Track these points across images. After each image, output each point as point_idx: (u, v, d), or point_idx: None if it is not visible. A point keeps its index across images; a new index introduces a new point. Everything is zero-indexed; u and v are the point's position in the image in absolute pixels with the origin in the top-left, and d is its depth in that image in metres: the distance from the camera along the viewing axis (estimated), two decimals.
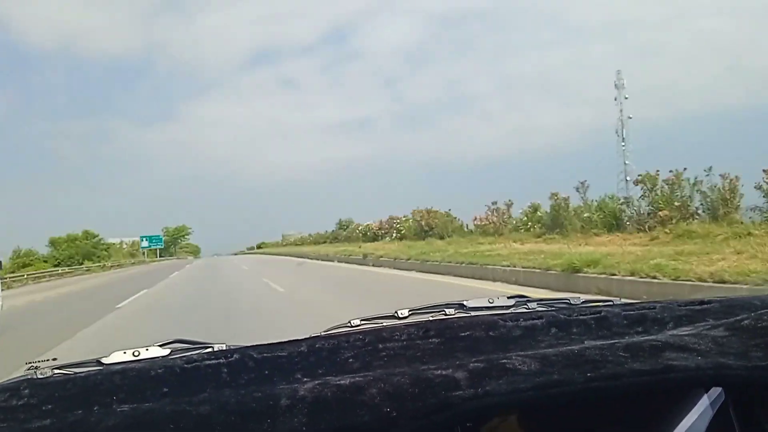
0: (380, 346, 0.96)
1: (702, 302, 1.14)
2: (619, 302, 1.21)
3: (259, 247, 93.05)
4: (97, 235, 65.70)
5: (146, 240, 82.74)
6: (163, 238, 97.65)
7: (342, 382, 0.78)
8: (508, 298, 1.20)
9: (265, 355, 0.92)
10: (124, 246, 79.15)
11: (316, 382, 0.79)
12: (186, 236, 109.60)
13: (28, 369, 0.92)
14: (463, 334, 1.00)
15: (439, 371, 0.80)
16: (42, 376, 0.89)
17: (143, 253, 79.54)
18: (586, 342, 0.96)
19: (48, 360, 0.95)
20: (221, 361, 0.90)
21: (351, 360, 0.93)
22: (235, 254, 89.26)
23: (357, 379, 0.79)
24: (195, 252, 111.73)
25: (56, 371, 0.91)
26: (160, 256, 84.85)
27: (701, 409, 0.82)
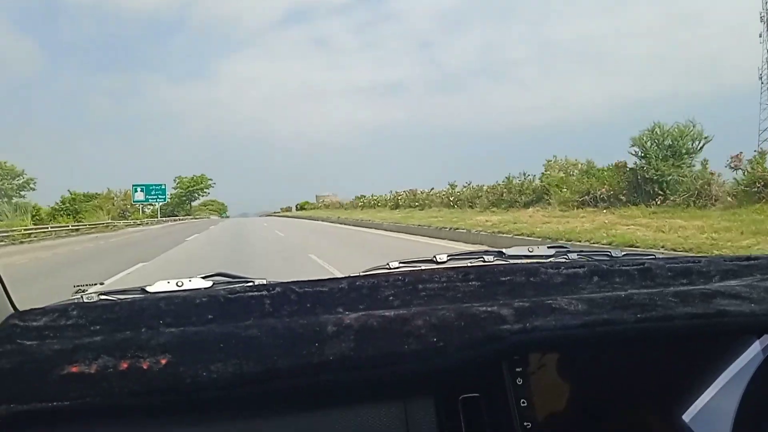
0: (420, 286, 0.96)
1: (749, 258, 1.11)
2: (661, 255, 1.18)
3: (302, 207, 75.87)
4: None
5: (141, 190, 58.34)
6: (171, 191, 76.46)
7: (387, 314, 0.78)
8: (548, 247, 1.18)
9: (306, 289, 0.93)
10: (114, 197, 57.77)
11: (361, 313, 0.79)
12: (206, 189, 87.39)
13: (75, 292, 0.93)
14: (503, 279, 0.99)
15: (484, 308, 0.79)
16: (89, 300, 0.91)
17: (140, 210, 59.49)
18: (630, 290, 0.94)
19: (95, 284, 0.96)
20: (264, 293, 0.91)
21: (391, 298, 0.92)
22: (269, 215, 78.88)
23: (401, 311, 0.79)
24: (220, 210, 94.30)
25: (102, 297, 0.93)
26: (167, 215, 65.30)
27: (752, 354, 0.80)
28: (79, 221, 40.07)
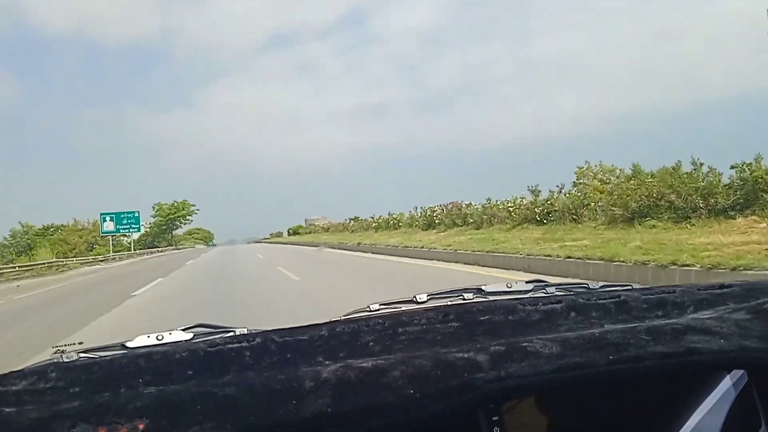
0: (400, 329, 0.97)
1: (722, 286, 1.14)
2: (637, 286, 1.20)
3: (295, 232, 69.46)
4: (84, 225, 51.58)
5: (110, 219, 49.31)
6: (150, 219, 75.72)
7: (364, 364, 0.79)
8: (527, 282, 1.19)
9: (286, 338, 0.93)
10: (82, 229, 52.02)
11: (339, 364, 0.80)
12: (189, 217, 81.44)
13: (55, 353, 0.93)
14: (482, 318, 1.00)
15: (461, 354, 0.80)
16: (68, 360, 0.91)
17: (111, 242, 50.37)
18: (606, 326, 0.95)
19: (74, 344, 0.96)
20: (243, 344, 0.91)
21: (371, 343, 0.93)
22: (257, 242, 76.51)
23: (379, 361, 0.80)
24: (206, 238, 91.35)
25: (82, 355, 0.93)
26: (148, 246, 63.57)
27: (723, 390, 0.82)
28: (33, 258, 34.44)
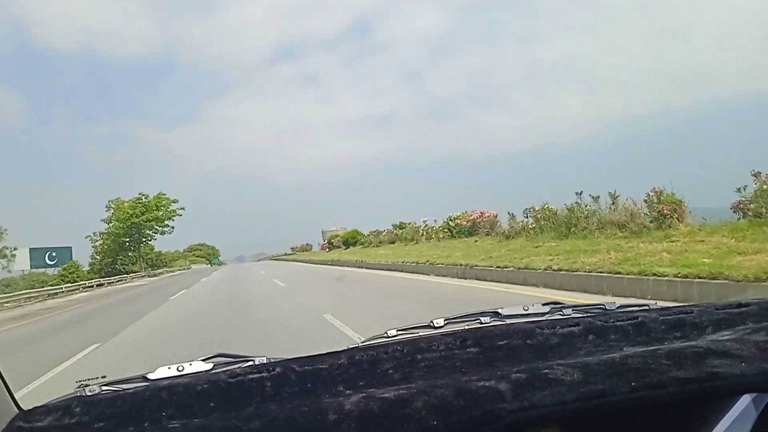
0: (419, 356, 0.97)
1: (740, 305, 1.13)
2: (655, 306, 1.20)
3: (353, 242, 39.55)
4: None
5: (47, 256, 41.45)
6: (106, 226, 50.37)
7: (386, 395, 0.79)
8: (543, 305, 1.19)
9: (306, 368, 0.94)
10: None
11: (361, 395, 0.80)
12: (167, 222, 54.22)
13: (78, 387, 0.94)
14: (500, 343, 1.01)
15: (482, 383, 0.80)
16: (91, 393, 0.91)
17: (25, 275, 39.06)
18: (625, 349, 0.95)
19: (97, 378, 0.97)
20: (264, 374, 0.92)
21: (391, 371, 0.93)
22: (275, 258, 64.12)
23: (401, 391, 0.80)
24: (210, 255, 72.34)
25: (105, 388, 0.94)
26: (108, 273, 43.34)
27: (745, 414, 0.81)
28: None
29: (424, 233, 26.63)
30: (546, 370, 0.82)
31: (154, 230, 55.22)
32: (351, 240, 39.25)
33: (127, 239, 52.81)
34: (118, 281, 41.21)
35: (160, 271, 54.96)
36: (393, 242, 29.93)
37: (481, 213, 21.32)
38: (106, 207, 52.79)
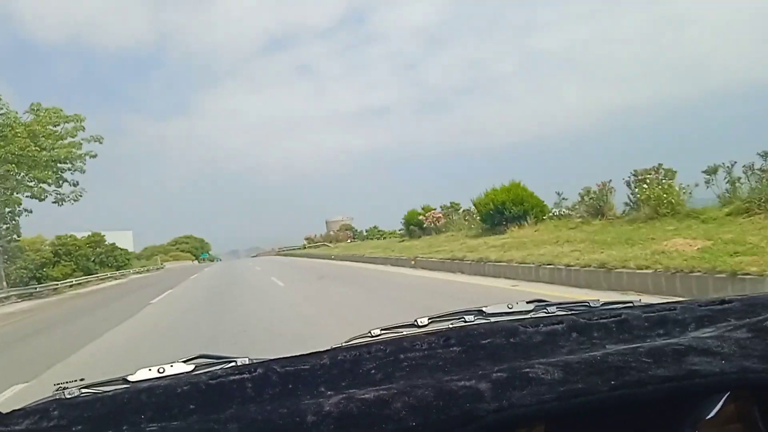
0: (401, 356, 0.97)
1: (723, 301, 1.14)
2: (639, 303, 1.20)
3: (414, 222, 28.23)
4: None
5: None
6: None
7: (366, 396, 0.79)
8: (528, 302, 1.19)
9: (287, 368, 0.93)
10: None
11: (341, 396, 0.80)
12: (69, 158, 26.81)
13: (57, 390, 0.93)
14: (483, 341, 1.00)
15: (462, 382, 0.80)
16: (70, 396, 0.90)
17: None
18: (607, 347, 0.95)
19: (75, 381, 0.96)
20: (245, 376, 0.91)
21: (373, 371, 0.93)
22: (279, 252, 53.87)
23: (381, 392, 0.80)
24: (198, 249, 58.09)
25: (84, 391, 0.93)
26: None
27: (725, 409, 0.82)
28: None
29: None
30: (527, 369, 0.82)
31: (37, 179, 27.20)
32: (412, 222, 28.07)
33: None
34: None
35: (58, 285, 29.69)
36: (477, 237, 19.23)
37: None
38: None
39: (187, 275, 30.75)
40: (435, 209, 28.00)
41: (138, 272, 45.63)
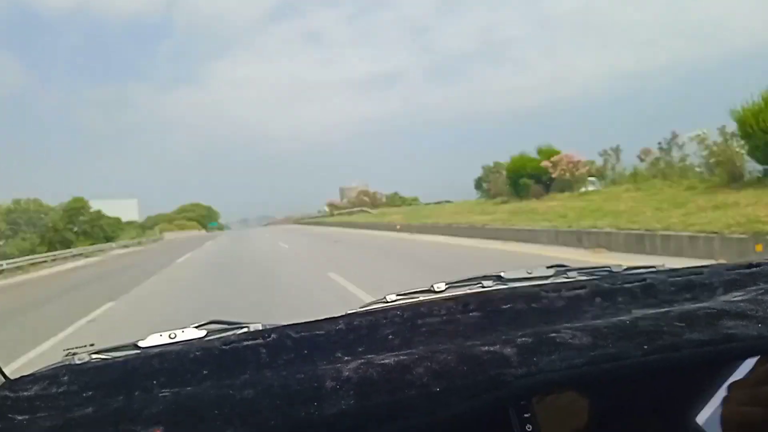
0: (419, 321, 0.94)
1: (750, 265, 1.10)
2: (663, 268, 1.16)
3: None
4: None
5: None
6: None
7: (386, 361, 0.75)
8: (547, 267, 1.15)
9: (303, 334, 0.90)
10: None
11: (360, 361, 0.77)
12: None
13: (66, 355, 0.91)
14: (504, 306, 0.97)
15: (486, 347, 0.77)
16: (80, 362, 0.88)
17: None
18: (634, 311, 0.92)
19: (85, 346, 0.94)
20: (259, 341, 0.88)
21: (391, 337, 0.90)
22: (301, 222, 49.82)
23: (401, 357, 0.76)
24: (205, 218, 53.48)
25: (94, 356, 0.90)
26: None
27: (753, 372, 0.78)
28: None
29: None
30: (553, 334, 0.79)
31: None
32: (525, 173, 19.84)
33: None
34: None
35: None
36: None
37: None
38: None
39: (182, 252, 22.25)
40: (560, 152, 19.61)
41: (126, 246, 36.09)
